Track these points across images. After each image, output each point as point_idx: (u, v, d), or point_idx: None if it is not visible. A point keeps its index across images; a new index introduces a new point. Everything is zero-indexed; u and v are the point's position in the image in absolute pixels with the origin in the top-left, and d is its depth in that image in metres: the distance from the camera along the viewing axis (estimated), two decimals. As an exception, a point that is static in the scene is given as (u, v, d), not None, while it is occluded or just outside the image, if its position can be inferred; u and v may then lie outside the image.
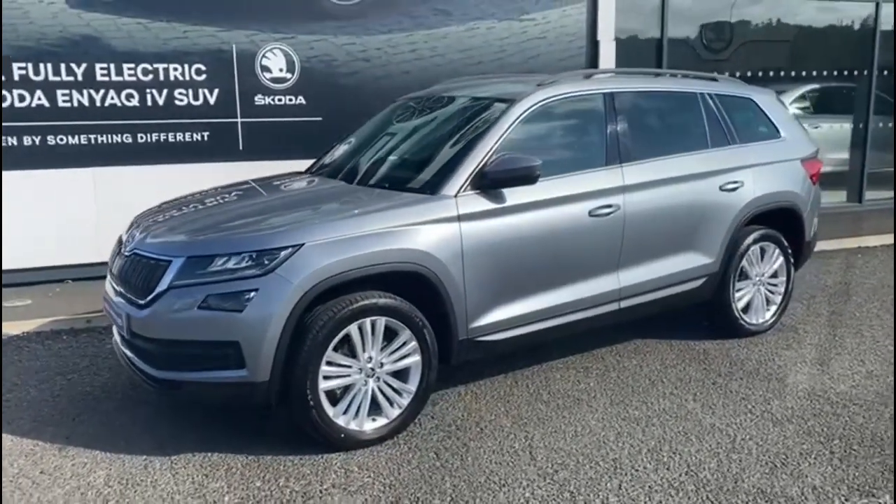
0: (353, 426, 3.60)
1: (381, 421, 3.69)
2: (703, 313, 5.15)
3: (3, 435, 3.79)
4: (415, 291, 3.72)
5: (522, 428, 3.84)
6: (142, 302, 3.50)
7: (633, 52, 8.39)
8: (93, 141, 6.35)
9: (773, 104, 5.35)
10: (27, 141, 6.18)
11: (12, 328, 5.38)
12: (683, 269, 4.67)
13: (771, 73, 9.24)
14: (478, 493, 3.24)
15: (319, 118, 6.90)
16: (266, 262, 3.37)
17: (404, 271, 3.63)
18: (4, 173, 6.14)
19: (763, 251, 5.09)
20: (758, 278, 5.10)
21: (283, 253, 3.38)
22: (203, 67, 6.55)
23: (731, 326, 5.04)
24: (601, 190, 4.26)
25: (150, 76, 6.42)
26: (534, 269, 4.05)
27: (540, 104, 4.23)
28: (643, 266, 4.49)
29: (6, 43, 6.02)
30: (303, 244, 3.41)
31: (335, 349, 3.52)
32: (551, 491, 3.25)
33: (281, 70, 6.77)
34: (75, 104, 6.26)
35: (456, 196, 3.82)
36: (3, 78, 6.01)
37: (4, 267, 6.13)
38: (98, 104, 6.32)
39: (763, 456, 3.52)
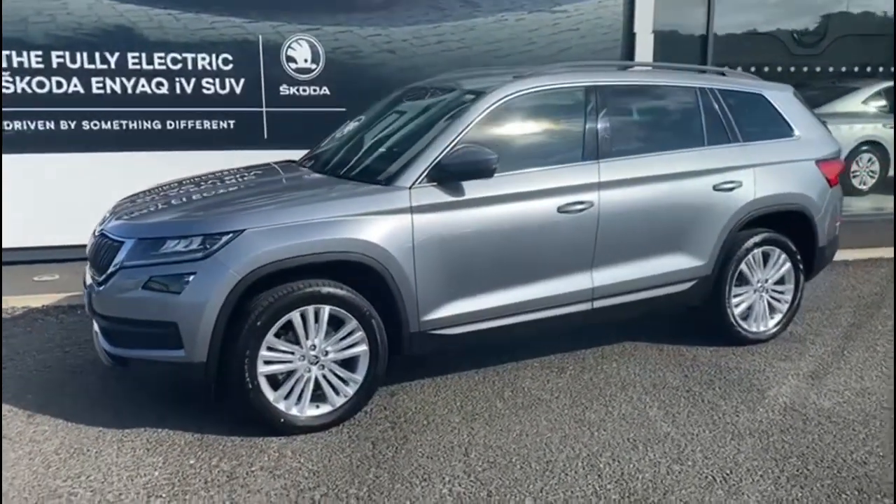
0: (294, 411, 3.65)
1: (324, 408, 3.72)
2: (702, 318, 4.92)
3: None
4: (364, 281, 3.72)
5: (470, 424, 3.80)
6: (99, 280, 3.66)
7: (678, 46, 8.09)
8: (125, 126, 6.65)
9: (788, 101, 5.05)
10: (64, 126, 6.53)
11: (33, 301, 5.71)
12: (668, 270, 4.48)
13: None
14: (396, 485, 3.23)
15: (343, 109, 6.95)
16: (207, 246, 3.45)
17: (348, 261, 3.64)
18: (43, 156, 6.49)
19: (766, 256, 4.83)
20: (759, 284, 4.84)
21: (223, 238, 3.46)
22: (230, 57, 6.73)
23: (727, 333, 4.81)
24: (573, 186, 4.14)
25: (179, 65, 6.66)
26: (494, 264, 3.98)
27: (510, 97, 4.14)
28: (621, 266, 4.34)
29: (47, 32, 6.37)
30: (244, 230, 3.48)
31: (277, 335, 3.57)
32: (471, 489, 3.20)
33: (306, 61, 6.88)
34: (108, 91, 6.56)
35: (410, 188, 3.79)
36: (32, 65, 6.35)
37: (38, 244, 6.50)
38: (130, 92, 6.61)
39: (706, 469, 3.36)
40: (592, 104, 4.31)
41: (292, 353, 3.61)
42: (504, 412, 3.94)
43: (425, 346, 3.95)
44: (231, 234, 3.46)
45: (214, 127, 6.81)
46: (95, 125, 6.59)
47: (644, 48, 7.49)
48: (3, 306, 5.54)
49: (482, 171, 3.81)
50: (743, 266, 4.74)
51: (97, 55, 6.50)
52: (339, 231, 3.61)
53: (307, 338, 3.62)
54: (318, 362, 3.66)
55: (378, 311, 3.77)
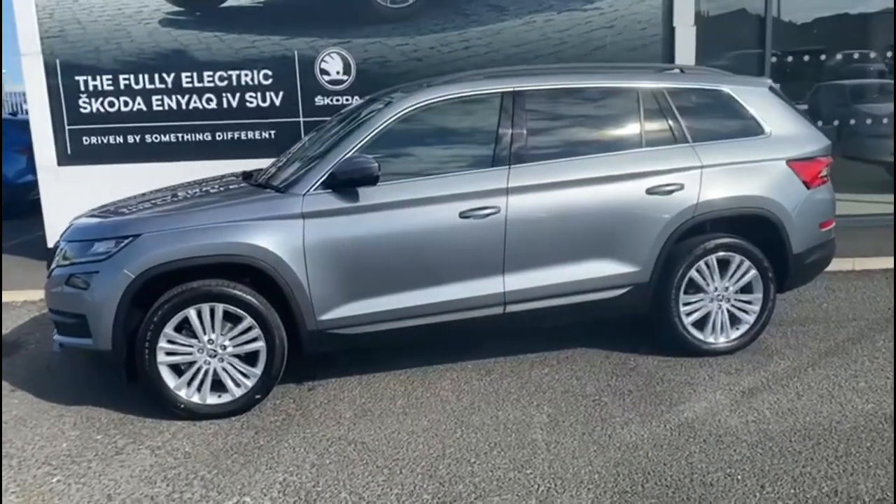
0: (195, 399, 4.04)
1: (225, 398, 4.08)
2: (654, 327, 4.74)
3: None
4: (263, 282, 4.04)
5: (356, 421, 3.99)
6: (47, 276, 4.27)
7: (731, 35, 7.63)
8: (180, 139, 7.44)
9: (761, 97, 4.70)
10: (130, 139, 7.43)
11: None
12: (593, 276, 4.38)
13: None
14: (242, 470, 3.52)
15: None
16: (112, 248, 3.93)
17: (237, 263, 3.97)
18: (115, 166, 7.42)
19: (726, 263, 4.55)
20: (717, 293, 4.57)
21: (124, 241, 3.92)
22: (269, 73, 7.32)
23: (678, 343, 4.60)
24: (477, 192, 4.19)
25: (226, 82, 7.34)
26: (392, 268, 4.14)
27: (418, 106, 4.27)
28: (536, 271, 4.31)
29: (115, 58, 7.28)
30: (140, 234, 3.92)
31: (179, 329, 3.97)
32: (303, 479, 3.41)
33: (338, 72, 7.31)
34: (166, 108, 7.38)
35: (304, 195, 4.05)
36: (104, 88, 7.28)
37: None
38: (184, 107, 7.39)
39: (538, 480, 3.33)
40: (508, 110, 4.32)
41: (192, 347, 3.99)
42: (397, 411, 4.09)
43: (325, 345, 4.18)
44: (130, 238, 3.92)
45: (257, 137, 7.42)
46: (156, 138, 7.43)
47: (685, 42, 7.18)
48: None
49: (365, 178, 3.99)
50: (693, 273, 4.50)
51: (156, 76, 7.33)
52: (229, 235, 3.95)
53: (204, 333, 3.99)
54: (216, 355, 4.02)
55: (277, 310, 4.06)
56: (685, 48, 7.17)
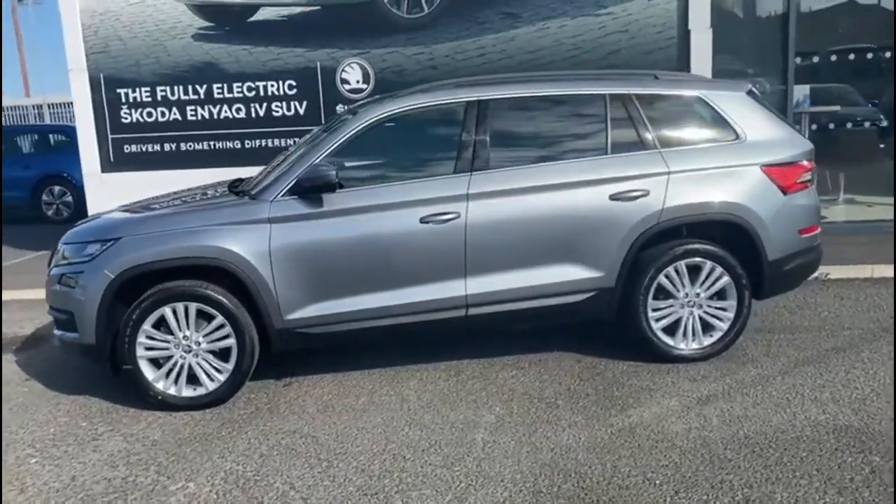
0: (171, 391, 4.34)
1: (200, 391, 4.36)
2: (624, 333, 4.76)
3: None
4: (232, 283, 4.31)
5: (317, 417, 4.19)
6: (47, 277, 4.67)
7: (751, 34, 7.47)
8: (212, 147, 7.87)
9: (738, 102, 4.65)
10: (167, 147, 7.91)
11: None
12: (557, 281, 4.44)
13: None
14: (196, 458, 3.78)
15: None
16: (97, 250, 4.28)
17: (207, 265, 4.25)
18: (153, 172, 7.91)
19: (697, 269, 4.54)
20: (688, 299, 4.56)
21: (107, 244, 4.26)
22: (294, 83, 7.65)
23: (647, 348, 4.61)
24: (437, 198, 4.33)
25: (253, 92, 7.72)
26: (354, 271, 4.33)
27: (383, 115, 4.46)
28: (498, 275, 4.41)
29: (153, 71, 7.78)
30: (120, 237, 4.26)
31: (157, 326, 4.28)
32: (244, 468, 3.64)
33: (358, 81, 7.58)
34: (199, 117, 7.82)
35: (272, 201, 4.30)
36: (143, 99, 7.78)
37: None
38: (215, 117, 7.81)
39: (451, 478, 3.44)
40: (471, 119, 4.44)
41: (168, 342, 4.30)
42: (357, 408, 4.27)
43: (292, 343, 4.42)
44: (112, 241, 4.26)
45: (283, 144, 7.76)
46: (190, 146, 7.88)
47: (701, 45, 7.10)
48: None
49: (326, 185, 4.20)
50: (662, 279, 4.51)
51: (190, 88, 7.78)
52: (200, 239, 4.23)
53: (180, 329, 4.28)
54: (191, 351, 4.31)
55: (248, 309, 4.32)
56: (701, 51, 7.09)
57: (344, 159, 4.40)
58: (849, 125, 7.79)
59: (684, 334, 4.60)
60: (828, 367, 4.46)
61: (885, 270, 6.32)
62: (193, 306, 4.26)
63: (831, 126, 7.75)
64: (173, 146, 7.89)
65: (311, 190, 4.25)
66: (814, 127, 7.66)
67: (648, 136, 4.51)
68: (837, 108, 7.71)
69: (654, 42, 7.19)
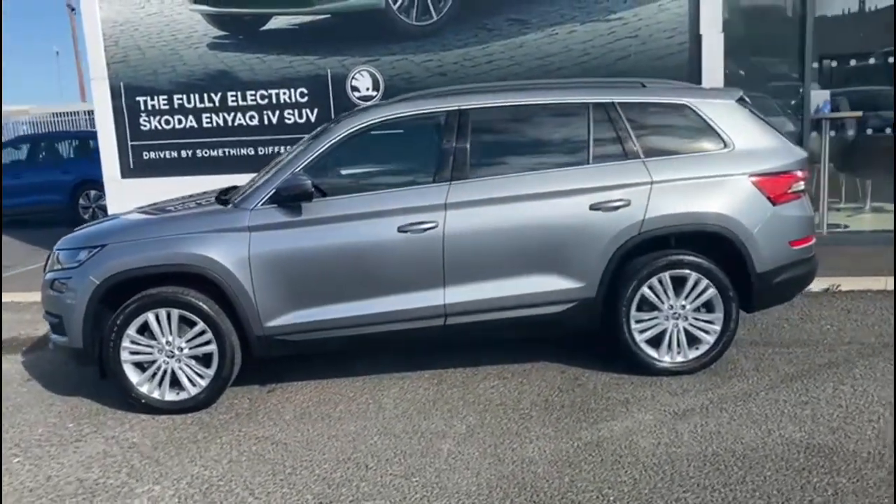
0: (155, 395, 4.43)
1: (183, 395, 4.45)
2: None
3: None
4: (214, 290, 4.38)
5: (292, 424, 4.24)
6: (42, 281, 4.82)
7: (765, 37, 7.31)
8: (227, 153, 8.02)
9: (727, 110, 4.55)
10: (184, 154, 8.08)
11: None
12: (536, 291, 4.41)
13: None
14: (167, 461, 3.85)
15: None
16: (86, 256, 4.40)
17: (188, 272, 4.33)
18: (170, 178, 8.09)
19: (682, 280, 4.46)
20: (673, 311, 4.48)
21: (94, 250, 4.38)
22: (305, 91, 7.75)
23: (631, 360, 4.54)
24: (415, 207, 4.34)
25: (266, 100, 7.84)
26: (332, 279, 4.36)
27: (363, 125, 4.49)
28: (477, 285, 4.39)
29: (170, 80, 7.97)
30: (105, 244, 4.37)
31: (142, 331, 4.39)
32: (211, 473, 3.70)
33: (368, 89, 7.63)
34: (214, 125, 7.98)
35: (252, 209, 4.37)
36: (160, 107, 7.97)
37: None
38: (230, 124, 7.96)
39: (407, 489, 3.45)
40: (452, 129, 4.44)
41: (152, 347, 4.39)
42: (334, 416, 4.31)
43: (273, 350, 4.47)
44: (98, 248, 4.37)
45: (295, 151, 7.84)
46: (206, 153, 8.04)
47: (713, 49, 6.96)
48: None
49: (302, 195, 4.25)
50: (645, 290, 4.44)
51: (205, 95, 7.94)
52: (181, 246, 4.32)
53: (163, 335, 4.38)
54: (174, 356, 4.40)
55: (229, 316, 4.39)
56: (713, 56, 6.95)
57: (326, 168, 4.44)
58: (869, 131, 7.53)
59: (669, 347, 4.51)
60: (816, 383, 4.33)
61: (859, 283, 6.12)
62: (176, 312, 4.35)
63: (850, 133, 7.52)
64: (190, 153, 8.06)
65: (289, 199, 4.30)
66: (832, 133, 7.44)
67: (631, 145, 4.44)
68: (860, 113, 7.47)
69: (664, 47, 7.07)
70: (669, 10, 7.02)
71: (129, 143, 8.14)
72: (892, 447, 3.47)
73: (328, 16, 7.62)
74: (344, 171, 4.52)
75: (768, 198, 4.43)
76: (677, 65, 7.04)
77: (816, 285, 6.15)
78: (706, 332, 4.51)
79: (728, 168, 4.44)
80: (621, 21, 7.11)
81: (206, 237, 4.33)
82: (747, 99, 4.73)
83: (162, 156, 8.11)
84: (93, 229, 4.71)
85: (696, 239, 4.46)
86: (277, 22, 7.74)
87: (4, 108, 26.85)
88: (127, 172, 8.18)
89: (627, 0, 7.05)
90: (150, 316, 4.34)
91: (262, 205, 4.37)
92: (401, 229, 4.32)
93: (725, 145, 4.49)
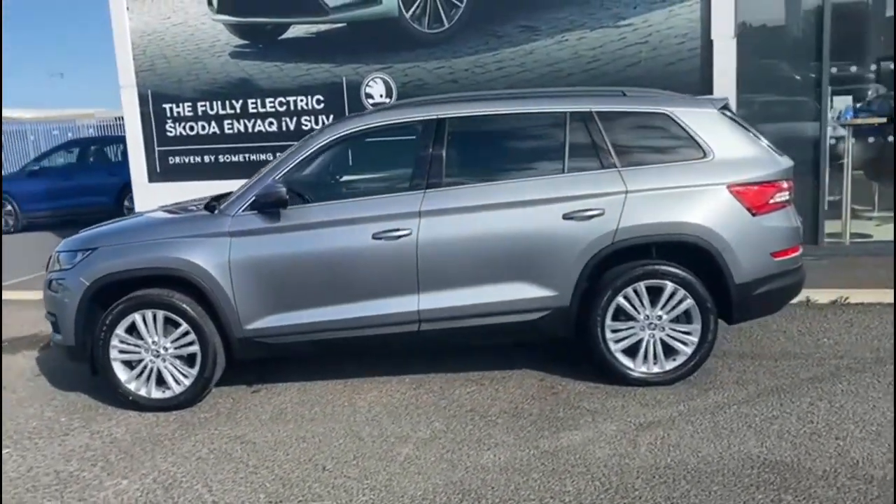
0: (142, 392, 4.62)
1: (168, 393, 4.63)
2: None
3: None
4: (198, 293, 4.55)
5: (264, 424, 4.36)
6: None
7: (780, 44, 7.14)
8: (247, 159, 8.25)
9: (708, 119, 4.49)
10: (207, 159, 8.36)
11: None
12: (509, 299, 4.43)
13: None
14: (141, 456, 4.02)
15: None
16: (79, 258, 4.63)
17: (170, 275, 4.50)
18: (195, 183, 8.37)
19: (658, 290, 4.42)
20: (649, 321, 4.45)
21: (86, 253, 4.60)
22: (321, 98, 7.93)
23: (606, 370, 4.53)
24: (390, 214, 4.42)
25: (284, 107, 8.05)
26: (309, 284, 4.47)
27: (342, 134, 4.58)
28: (450, 291, 4.44)
29: (194, 88, 8.25)
30: (97, 247, 4.58)
31: (130, 331, 4.58)
32: (179, 469, 3.84)
33: (381, 95, 7.77)
34: (235, 131, 8.23)
35: (233, 215, 4.52)
36: (185, 114, 8.25)
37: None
38: (250, 130, 8.19)
39: (356, 491, 3.52)
40: (428, 137, 4.50)
41: (139, 347, 4.58)
42: (307, 417, 4.42)
43: (253, 352, 4.61)
44: (90, 251, 4.59)
45: (311, 157, 8.02)
46: (227, 158, 8.30)
47: (725, 55, 6.86)
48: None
49: (278, 202, 4.37)
50: (621, 299, 4.42)
51: (227, 103, 8.20)
52: (165, 250, 4.50)
53: (149, 335, 4.56)
54: (160, 356, 4.58)
55: (212, 318, 4.55)
56: (725, 61, 6.85)
57: (306, 175, 4.56)
58: (890, 138, 7.28)
59: (645, 358, 4.48)
60: (793, 398, 4.24)
61: (862, 295, 5.93)
62: (161, 314, 4.52)
63: (871, 139, 7.28)
64: (212, 158, 8.32)
65: (266, 206, 4.43)
66: (853, 141, 7.22)
67: (607, 154, 4.43)
68: (884, 119, 7.23)
69: (675, 53, 7.00)
70: (681, 15, 6.94)
71: (156, 149, 8.46)
72: (893, 448, 3.45)
73: (343, 24, 7.77)
74: (324, 179, 4.63)
75: (748, 208, 4.36)
76: (689, 70, 6.96)
77: (825, 297, 6.04)
78: (684, 343, 4.46)
79: (706, 178, 4.39)
80: (631, 27, 7.06)
81: (190, 242, 4.49)
82: (731, 108, 4.66)
83: (186, 161, 8.39)
84: (90, 232, 4.93)
85: (674, 249, 4.42)
86: (295, 31, 7.93)
87: (72, 111, 28.05)
88: (154, 176, 8.49)
89: (638, 6, 7.00)
90: (137, 317, 4.53)
91: (242, 211, 4.51)
92: (375, 236, 4.40)
93: (705, 155, 4.43)
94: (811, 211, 7.12)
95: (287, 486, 3.61)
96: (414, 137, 4.56)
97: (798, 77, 7.06)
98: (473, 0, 7.39)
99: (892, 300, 5.90)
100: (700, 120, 4.49)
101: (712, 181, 4.38)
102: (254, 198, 4.47)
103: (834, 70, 7.00)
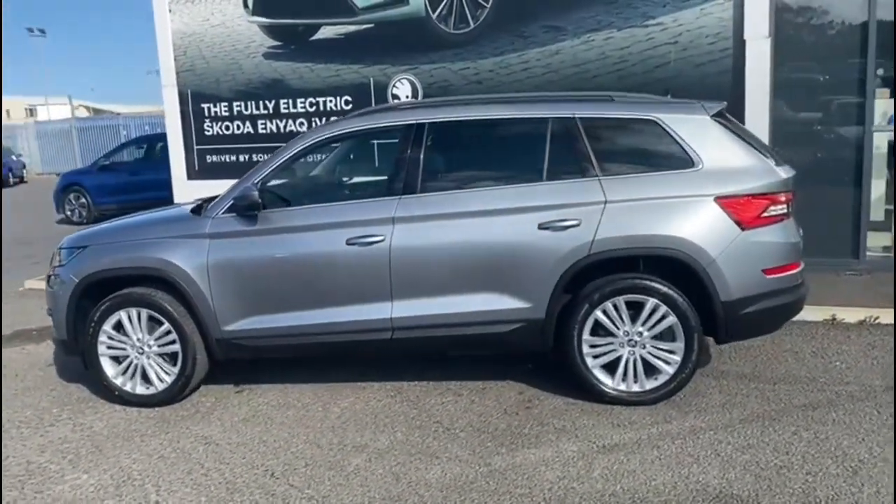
0: (127, 387, 4.74)
1: (152, 389, 4.73)
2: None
3: None
4: (179, 293, 4.63)
5: (234, 425, 4.41)
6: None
7: (822, 42, 6.70)
8: (279, 158, 8.35)
9: (700, 127, 4.23)
10: (241, 158, 8.53)
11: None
12: (482, 309, 4.31)
13: None
14: (114, 451, 4.12)
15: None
16: (73, 255, 4.79)
17: (151, 275, 4.59)
18: (230, 181, 8.52)
19: (638, 305, 4.23)
20: (629, 338, 4.26)
21: (77, 251, 4.75)
22: (350, 98, 7.97)
23: (583, 386, 4.36)
24: (363, 220, 4.37)
25: (314, 107, 8.13)
26: (283, 288, 4.48)
27: (321, 139, 4.58)
28: (423, 300, 4.36)
29: (230, 88, 8.43)
30: (86, 246, 4.73)
31: (116, 328, 4.71)
32: (140, 466, 3.92)
33: (407, 96, 7.73)
34: (268, 131, 8.37)
35: (213, 217, 4.57)
36: (222, 113, 8.44)
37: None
38: (282, 130, 8.31)
39: (298, 501, 3.50)
40: (406, 143, 4.42)
41: (125, 343, 4.71)
42: (277, 420, 4.43)
43: (231, 353, 4.65)
44: (81, 249, 4.74)
45: (340, 157, 8.08)
46: (261, 157, 8.41)
47: (758, 55, 6.50)
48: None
49: (252, 205, 4.40)
50: (599, 314, 4.24)
51: (261, 103, 8.34)
52: (147, 250, 4.59)
53: (134, 332, 4.68)
54: (144, 353, 4.69)
55: (192, 318, 4.63)
56: (758, 62, 6.48)
57: (285, 179, 4.57)
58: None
59: (625, 375, 4.28)
60: (777, 426, 3.96)
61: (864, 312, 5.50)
62: (145, 312, 4.62)
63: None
64: (246, 157, 8.48)
65: (242, 209, 4.45)
66: (901, 147, 6.71)
67: (589, 162, 4.25)
68: (939, 124, 6.69)
69: (706, 53, 6.67)
70: (712, 14, 6.61)
71: (195, 147, 8.68)
72: (893, 449, 3.33)
73: (371, 25, 7.77)
74: (303, 182, 4.62)
75: (737, 222, 4.10)
76: (720, 72, 6.62)
77: (853, 315, 5.67)
78: (666, 361, 4.23)
79: (692, 188, 4.15)
80: (661, 26, 6.77)
81: (172, 242, 4.57)
82: (727, 114, 4.39)
83: (222, 159, 8.59)
84: (87, 230, 5.09)
85: (658, 263, 4.20)
86: (326, 32, 7.99)
87: (151, 108, 29.23)
88: (192, 174, 8.73)
89: (667, 4, 6.70)
90: (122, 314, 4.64)
91: (222, 213, 4.55)
92: (349, 242, 4.36)
93: (693, 164, 4.19)
94: (852, 222, 6.66)
95: (230, 490, 3.62)
96: (392, 142, 4.49)
97: (839, 78, 6.61)
98: (499, 0, 7.24)
99: (926, 322, 5.46)
100: (690, 127, 4.25)
101: (698, 192, 4.14)
102: (232, 201, 4.51)
103: (881, 71, 6.51)
